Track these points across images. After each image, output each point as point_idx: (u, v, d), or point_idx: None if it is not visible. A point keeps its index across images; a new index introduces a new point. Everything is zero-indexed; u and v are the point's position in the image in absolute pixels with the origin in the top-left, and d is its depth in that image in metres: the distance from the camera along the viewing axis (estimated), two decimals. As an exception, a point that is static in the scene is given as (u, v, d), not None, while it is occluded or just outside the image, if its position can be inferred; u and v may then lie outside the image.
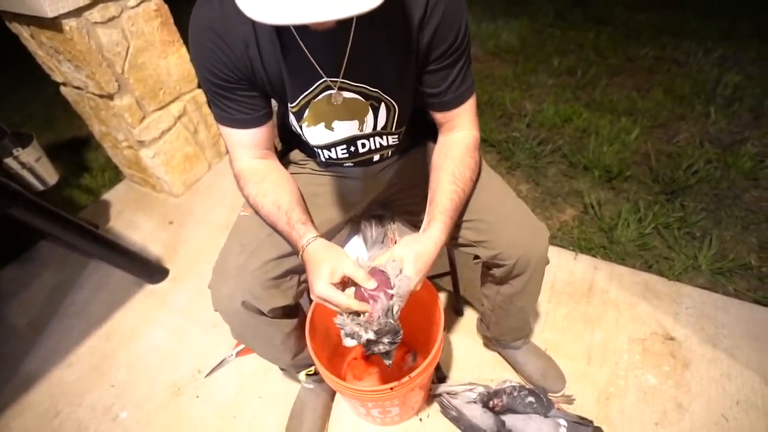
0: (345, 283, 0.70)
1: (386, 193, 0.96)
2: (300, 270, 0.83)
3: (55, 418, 1.22)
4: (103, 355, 1.36)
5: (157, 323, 1.43)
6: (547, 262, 0.87)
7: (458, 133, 0.81)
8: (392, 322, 0.66)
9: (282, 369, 1.23)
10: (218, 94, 0.72)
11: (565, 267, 1.41)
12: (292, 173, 0.94)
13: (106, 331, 1.42)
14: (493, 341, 1.15)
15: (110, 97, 1.51)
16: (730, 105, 1.95)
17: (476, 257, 0.87)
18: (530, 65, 2.42)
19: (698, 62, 2.24)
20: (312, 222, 0.77)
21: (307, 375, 1.04)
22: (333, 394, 1.16)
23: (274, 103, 0.83)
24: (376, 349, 0.69)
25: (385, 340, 0.68)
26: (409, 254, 0.68)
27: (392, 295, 0.66)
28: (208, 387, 1.25)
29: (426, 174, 0.82)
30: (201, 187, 1.93)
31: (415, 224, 0.95)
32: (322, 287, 0.67)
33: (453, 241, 0.87)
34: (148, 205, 1.89)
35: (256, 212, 0.79)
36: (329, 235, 0.90)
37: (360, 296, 0.68)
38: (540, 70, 2.39)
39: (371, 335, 0.66)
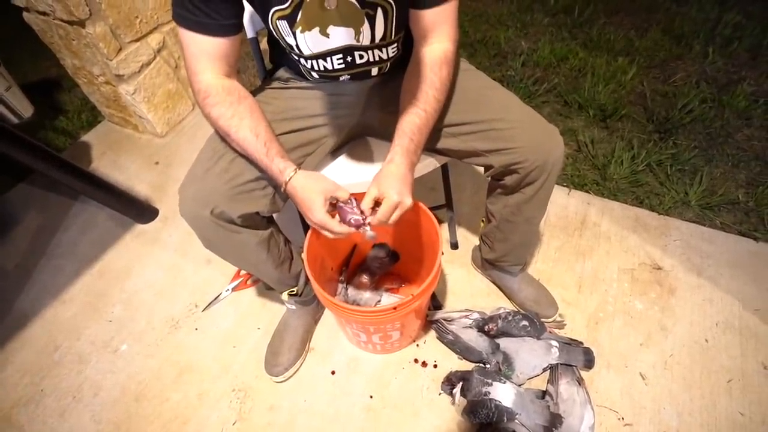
0: (333, 205, 0.74)
1: (379, 113, 0.92)
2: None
3: (55, 352, 1.23)
4: (97, 292, 1.35)
5: (150, 261, 1.41)
6: (562, 167, 0.86)
7: (428, 47, 0.77)
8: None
9: (269, 288, 1.23)
10: None
11: (559, 202, 1.42)
12: (278, 88, 0.90)
13: (98, 270, 1.40)
14: (490, 265, 1.16)
15: (81, 24, 1.39)
16: (729, 45, 1.92)
17: (487, 168, 0.86)
18: (526, 3, 2.32)
19: (699, 1, 2.17)
20: (286, 154, 0.75)
21: (289, 295, 1.06)
22: (315, 316, 1.19)
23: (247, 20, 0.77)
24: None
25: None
26: (374, 183, 0.72)
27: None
28: (207, 320, 1.26)
29: None
30: (185, 127, 1.85)
31: None
32: (319, 215, 0.70)
33: (458, 153, 0.86)
34: (131, 147, 1.81)
35: (224, 134, 0.74)
36: (310, 150, 0.88)
37: (342, 216, 0.73)
38: (536, 8, 2.29)
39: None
